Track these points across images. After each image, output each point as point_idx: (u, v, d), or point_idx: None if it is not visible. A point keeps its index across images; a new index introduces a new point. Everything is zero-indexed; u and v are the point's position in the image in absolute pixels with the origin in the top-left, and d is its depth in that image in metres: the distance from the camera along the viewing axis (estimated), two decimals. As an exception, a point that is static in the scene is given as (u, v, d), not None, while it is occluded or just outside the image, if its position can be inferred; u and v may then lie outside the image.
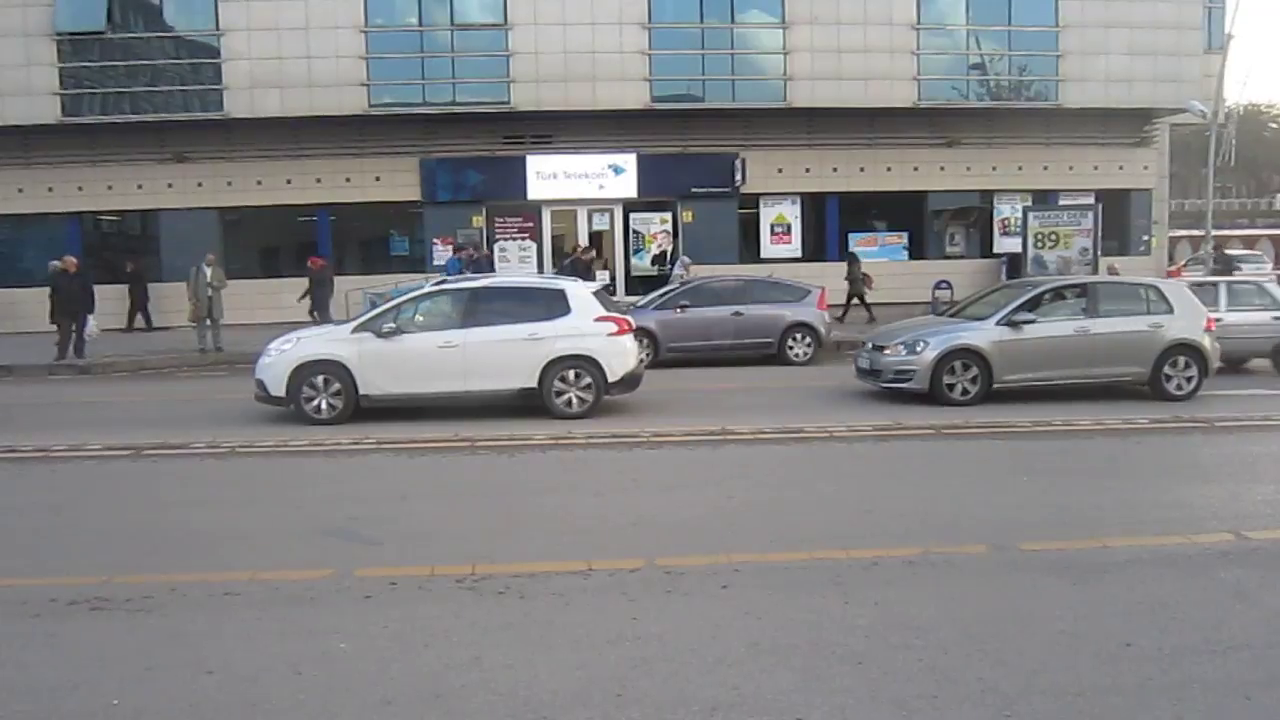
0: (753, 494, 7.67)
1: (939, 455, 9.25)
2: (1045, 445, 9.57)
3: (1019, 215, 23.50)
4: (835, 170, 24.51)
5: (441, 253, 23.46)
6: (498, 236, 24.29)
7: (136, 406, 12.76)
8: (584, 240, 24.20)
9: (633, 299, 19.91)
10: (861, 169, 24.58)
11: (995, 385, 11.74)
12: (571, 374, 11.19)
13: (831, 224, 25.13)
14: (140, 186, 23.18)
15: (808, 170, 24.50)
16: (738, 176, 23.85)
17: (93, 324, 17.54)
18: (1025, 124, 24.74)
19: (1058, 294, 12.84)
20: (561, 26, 22.48)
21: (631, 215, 24.64)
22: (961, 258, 25.20)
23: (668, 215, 24.69)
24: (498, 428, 10.36)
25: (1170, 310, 12.18)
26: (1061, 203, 24.15)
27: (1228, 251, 26.08)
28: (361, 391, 11.04)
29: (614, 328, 11.44)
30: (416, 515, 7.20)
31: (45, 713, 4.03)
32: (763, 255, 24.36)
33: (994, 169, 25.02)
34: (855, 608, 5.04)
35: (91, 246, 23.41)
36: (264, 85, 21.96)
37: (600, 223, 24.68)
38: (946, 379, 11.69)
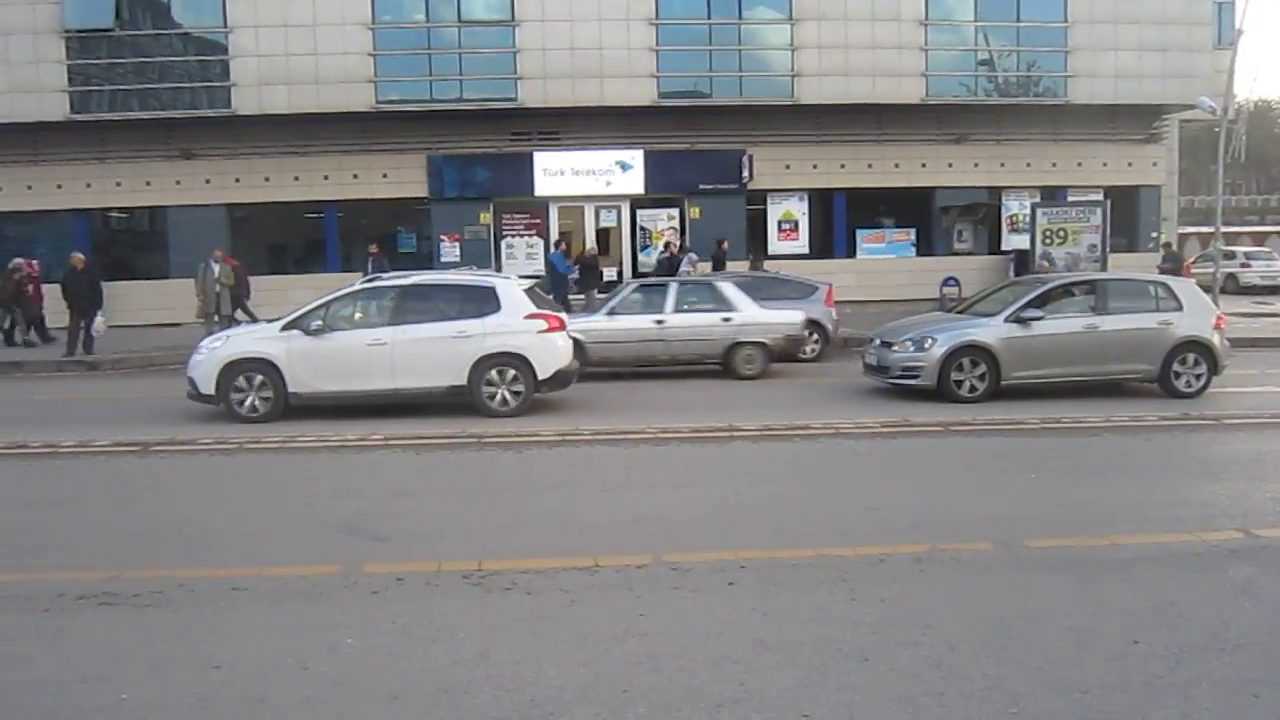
0: (760, 491, 7.66)
1: (947, 452, 9.23)
2: (1054, 442, 9.55)
3: (1027, 212, 23.43)
4: (843, 166, 24.46)
5: (449, 248, 23.54)
6: (505, 233, 24.30)
7: (144, 402, 12.79)
8: (594, 241, 24.25)
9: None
10: (869, 165, 24.52)
11: (1003, 382, 11.71)
12: (501, 372, 11.14)
13: (839, 220, 25.09)
14: (148, 183, 23.23)
15: (815, 166, 24.45)
16: (745, 173, 23.82)
17: (100, 320, 17.61)
18: (1033, 120, 24.65)
19: (1066, 291, 12.79)
20: (569, 23, 22.46)
21: (639, 212, 24.63)
22: (970, 254, 25.12)
23: (675, 211, 24.67)
24: (504, 424, 10.37)
25: (1179, 307, 12.12)
26: (1070, 199, 24.08)
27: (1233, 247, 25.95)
28: (290, 389, 11.01)
29: (544, 325, 11.36)
30: (424, 511, 7.21)
31: (53, 707, 4.04)
32: (770, 252, 24.32)
33: (1002, 165, 24.94)
34: (862, 605, 5.03)
35: (100, 243, 23.49)
36: (271, 82, 21.98)
37: (607, 219, 24.66)
38: (954, 376, 11.66)
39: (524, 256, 24.29)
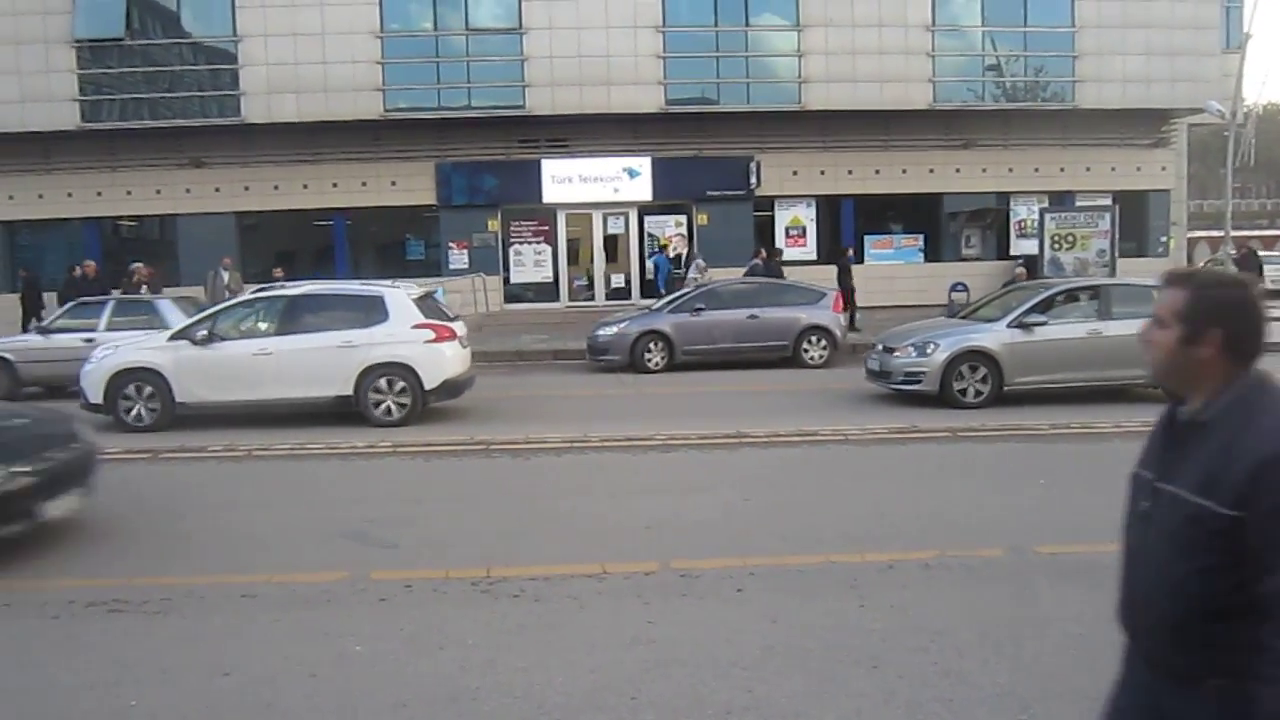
0: (768, 497, 7.65)
1: (955, 458, 9.20)
2: (1063, 448, 9.51)
3: (1035, 217, 23.40)
4: (850, 173, 24.45)
5: (457, 255, 23.57)
6: (513, 240, 24.35)
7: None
8: (599, 243, 24.33)
9: (648, 302, 19.93)
10: (877, 171, 24.51)
11: (1006, 387, 11.68)
12: (386, 381, 11.13)
13: (847, 226, 25.06)
14: (158, 191, 23.35)
15: (823, 173, 24.45)
16: (752, 179, 23.84)
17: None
18: (1041, 125, 24.60)
19: (1070, 296, 12.76)
20: (576, 31, 22.52)
21: (646, 218, 24.66)
22: (978, 260, 25.08)
23: (683, 218, 24.69)
24: (512, 431, 10.38)
25: None
26: (1078, 204, 24.03)
27: (1261, 251, 25.81)
28: (178, 399, 11.04)
29: (431, 335, 11.35)
30: (432, 518, 7.22)
31: (63, 713, 4.06)
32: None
33: (1010, 170, 24.90)
34: (871, 611, 5.02)
35: (111, 251, 23.60)
36: (280, 91, 22.09)
37: (615, 226, 24.70)
38: (956, 381, 11.63)
39: (532, 264, 24.35)
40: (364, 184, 23.54)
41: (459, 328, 12.06)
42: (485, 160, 23.77)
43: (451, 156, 23.71)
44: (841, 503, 7.49)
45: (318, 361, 11.06)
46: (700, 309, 16.12)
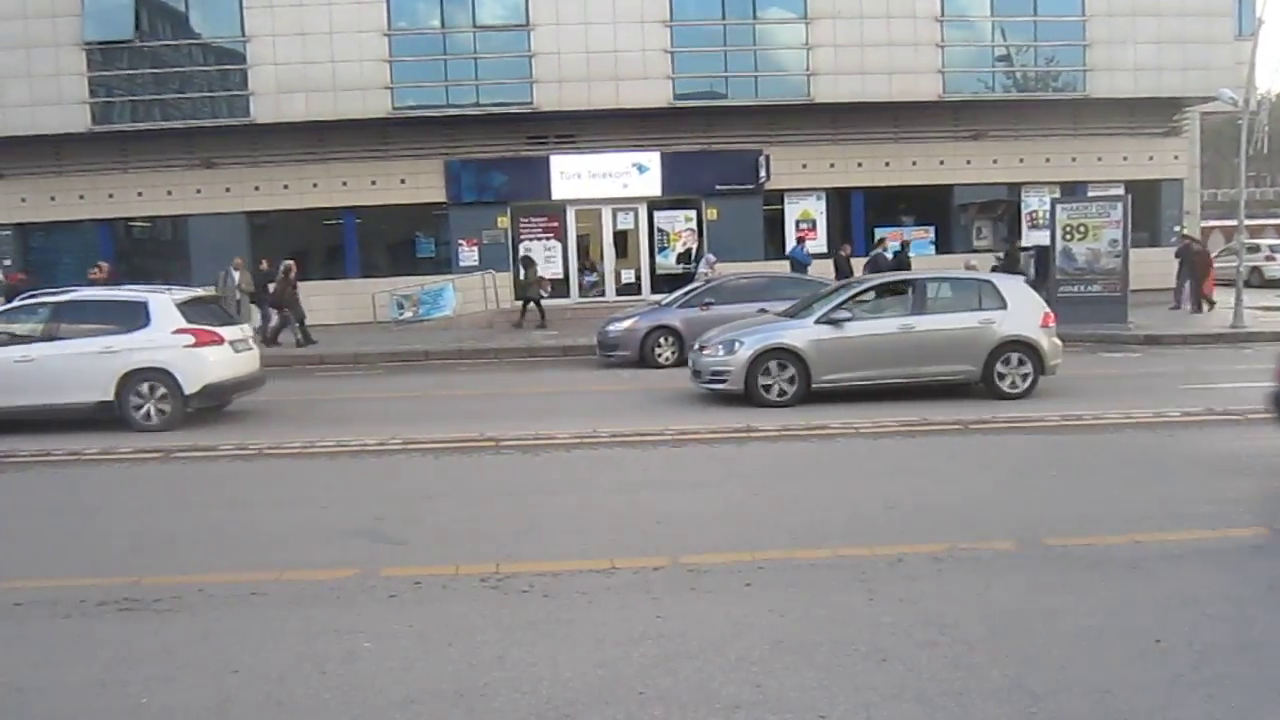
0: (777, 491, 7.63)
1: (966, 450, 9.17)
2: (1074, 439, 9.45)
3: (1047, 208, 23.25)
4: (860, 165, 24.40)
5: (467, 253, 23.59)
6: (523, 236, 24.38)
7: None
8: (609, 239, 24.33)
9: (658, 297, 19.93)
10: (886, 163, 24.44)
11: (814, 385, 11.49)
12: (148, 387, 11.16)
13: (857, 219, 25.02)
14: (170, 192, 23.48)
15: (832, 166, 24.40)
16: (762, 173, 23.79)
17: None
18: (1052, 115, 24.49)
19: (887, 291, 12.53)
20: (583, 26, 22.52)
21: (656, 214, 24.67)
22: (989, 251, 24.96)
23: (692, 213, 24.68)
24: (521, 427, 10.39)
25: (1004, 306, 11.81)
26: (1090, 194, 23.87)
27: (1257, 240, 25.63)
28: None
29: (191, 340, 11.35)
30: (441, 515, 7.23)
31: (74, 711, 4.08)
32: (788, 252, 24.26)
33: (1021, 161, 24.80)
34: (880, 604, 5.00)
35: (123, 252, 23.75)
36: (289, 90, 22.17)
37: (625, 222, 24.71)
38: (762, 380, 11.47)
39: (542, 260, 24.37)
40: (373, 182, 23.62)
41: (232, 332, 12.05)
42: (494, 157, 23.82)
43: (460, 154, 23.77)
44: (851, 496, 7.47)
45: (79, 368, 11.14)
46: (710, 303, 16.10)
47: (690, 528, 6.59)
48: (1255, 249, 29.46)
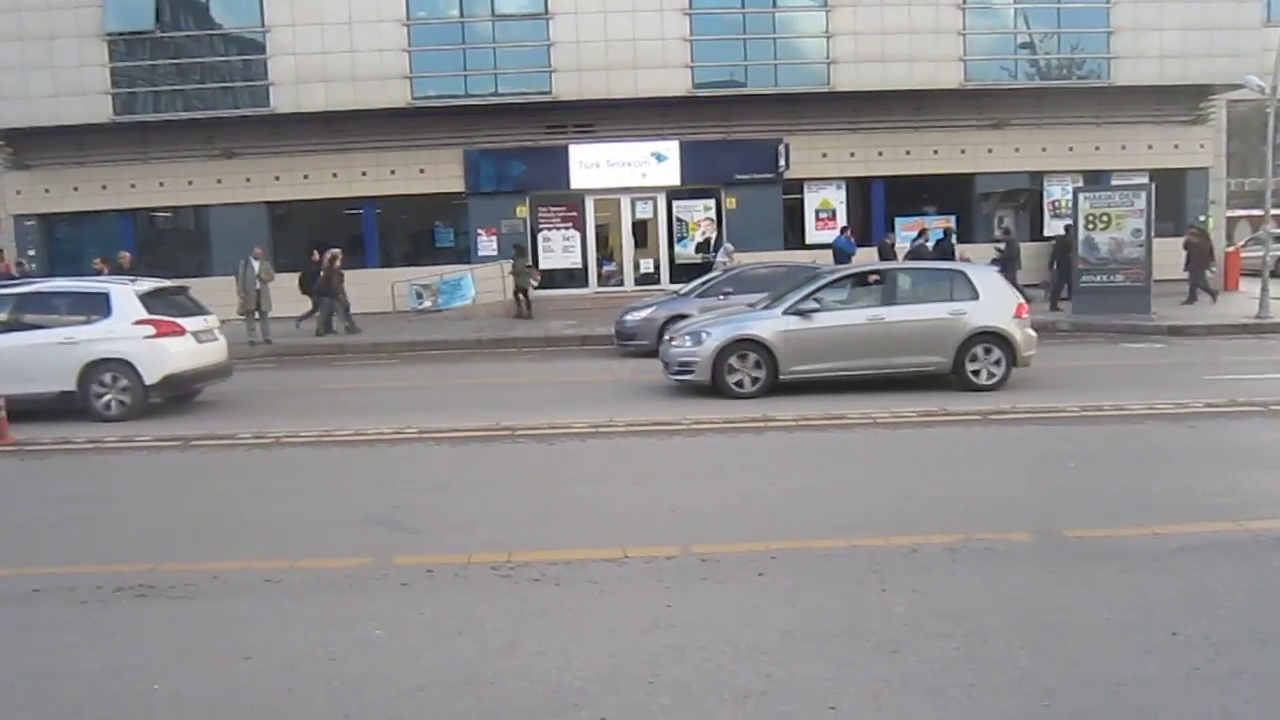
0: (793, 481, 7.59)
1: (985, 441, 9.09)
2: (1094, 430, 9.36)
3: (1069, 197, 22.99)
4: (880, 154, 24.19)
5: (486, 242, 23.60)
6: (541, 226, 24.38)
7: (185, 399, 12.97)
8: (627, 228, 24.27)
9: (676, 287, 19.88)
10: (907, 152, 24.23)
11: (782, 377, 11.40)
12: (111, 377, 11.22)
13: (877, 208, 24.83)
14: (191, 183, 23.59)
15: (852, 154, 24.21)
16: (781, 162, 23.65)
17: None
18: (1076, 103, 24.19)
19: (857, 281, 12.41)
20: (602, 15, 22.42)
21: (675, 203, 24.58)
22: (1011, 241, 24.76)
23: (711, 202, 24.58)
24: (538, 416, 10.39)
25: (975, 297, 11.67)
26: (1114, 183, 23.60)
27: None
28: None
29: (152, 330, 11.39)
30: (456, 504, 7.24)
31: (87, 697, 4.11)
32: (808, 241, 24.17)
33: (1044, 150, 24.52)
34: (893, 595, 4.97)
35: (145, 243, 23.90)
36: (309, 80, 22.21)
37: (644, 211, 24.64)
38: (728, 371, 11.40)
39: (560, 249, 24.36)
40: (393, 172, 23.64)
41: (195, 323, 12.06)
42: (513, 146, 23.79)
43: (479, 143, 23.76)
44: (867, 486, 7.43)
45: (42, 358, 11.24)
46: (728, 293, 16.03)
47: (704, 517, 6.57)
48: (1282, 238, 29.03)
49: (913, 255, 20.15)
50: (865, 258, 20.58)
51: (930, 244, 21.50)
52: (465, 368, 15.92)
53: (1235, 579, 5.11)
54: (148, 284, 12.30)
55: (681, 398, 11.65)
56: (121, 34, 22.31)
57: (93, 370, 11.30)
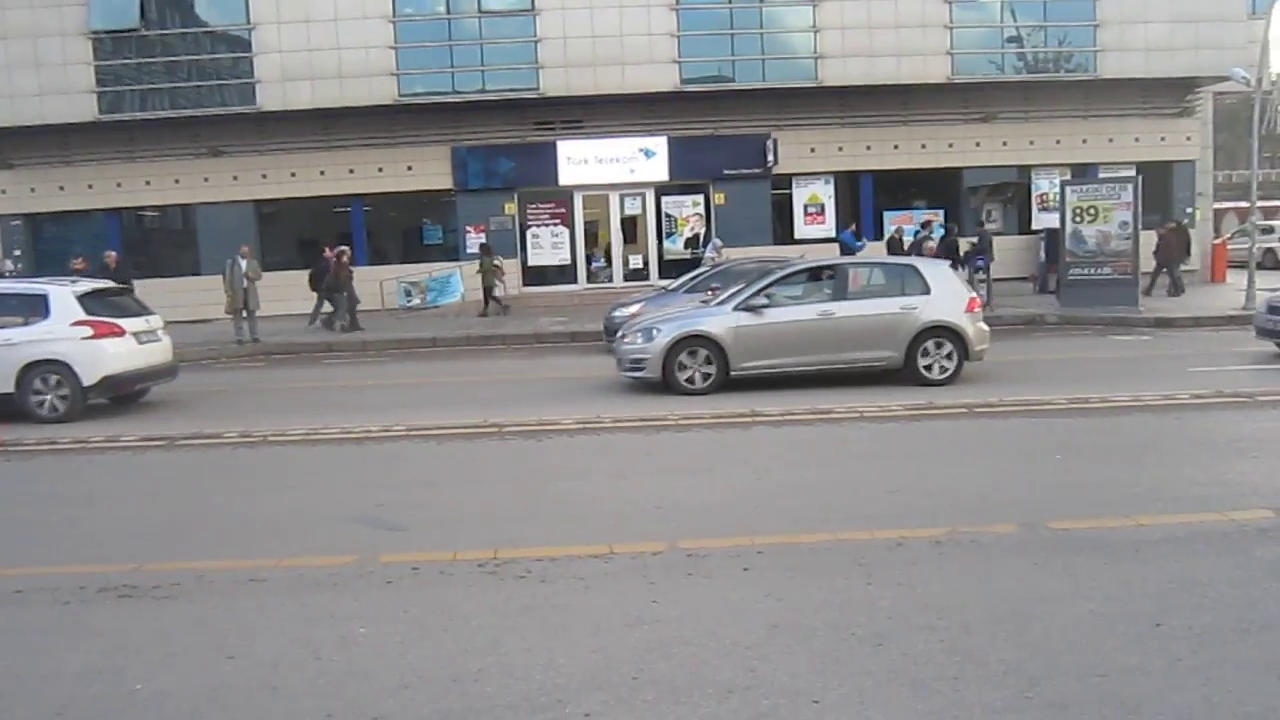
0: (779, 476, 7.60)
1: (971, 434, 9.11)
2: (1081, 423, 9.38)
3: (1057, 190, 23.05)
4: (869, 148, 24.23)
5: (475, 239, 23.55)
6: (530, 223, 24.34)
7: (171, 397, 12.93)
8: (616, 224, 24.24)
9: (665, 282, 19.88)
10: (895, 146, 24.27)
11: (733, 373, 11.42)
12: (47, 378, 11.16)
13: (866, 203, 24.87)
14: (177, 181, 23.50)
15: (841, 149, 24.24)
16: (770, 157, 23.65)
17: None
18: (1063, 96, 24.26)
19: (808, 276, 12.42)
20: (589, 10, 22.40)
21: (663, 198, 24.57)
22: (999, 234, 24.78)
23: (700, 198, 24.58)
24: (526, 413, 10.37)
25: (926, 292, 11.67)
26: (1101, 176, 23.65)
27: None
28: None
29: (89, 331, 11.33)
30: (442, 501, 7.23)
31: (69, 698, 4.08)
32: (796, 236, 24.19)
33: (1031, 143, 24.59)
34: (878, 589, 4.97)
35: (131, 241, 23.80)
36: (295, 78, 22.13)
37: (632, 207, 24.63)
38: (679, 368, 11.42)
39: (549, 246, 24.33)
40: (380, 169, 23.59)
41: (135, 324, 11.98)
42: (501, 143, 23.76)
43: (467, 140, 23.71)
44: (854, 480, 7.44)
45: None
46: (716, 288, 15.99)
47: (690, 512, 6.57)
48: (1269, 230, 29.19)
49: (915, 250, 20.13)
50: (873, 253, 20.56)
51: (934, 238, 21.45)
52: (454, 365, 15.90)
53: (1219, 569, 5.13)
54: (86, 285, 12.23)
55: (669, 393, 11.64)
56: (107, 32, 22.21)
57: (30, 372, 11.19)
